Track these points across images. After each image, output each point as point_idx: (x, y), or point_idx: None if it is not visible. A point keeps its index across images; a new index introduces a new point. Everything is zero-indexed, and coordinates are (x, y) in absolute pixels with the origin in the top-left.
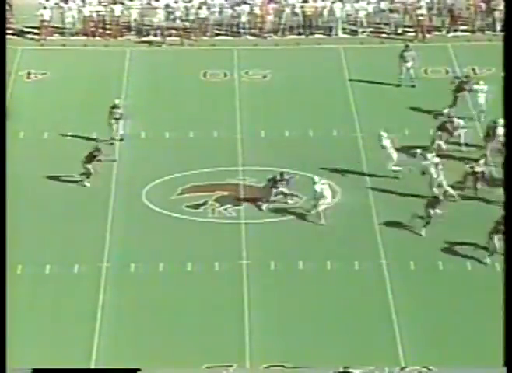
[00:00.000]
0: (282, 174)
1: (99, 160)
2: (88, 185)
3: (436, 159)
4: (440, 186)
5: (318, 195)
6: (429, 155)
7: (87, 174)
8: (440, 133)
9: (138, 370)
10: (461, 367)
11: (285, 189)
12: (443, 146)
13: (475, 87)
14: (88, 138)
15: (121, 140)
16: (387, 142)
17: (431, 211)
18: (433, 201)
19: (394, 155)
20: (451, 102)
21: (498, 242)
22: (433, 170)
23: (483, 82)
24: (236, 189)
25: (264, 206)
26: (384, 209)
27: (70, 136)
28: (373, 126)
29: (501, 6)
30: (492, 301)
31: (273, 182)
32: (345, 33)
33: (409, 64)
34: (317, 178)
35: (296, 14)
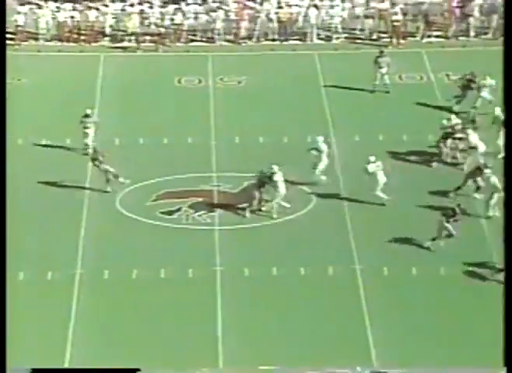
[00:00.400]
0: (262, 173)
1: (102, 162)
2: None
3: (380, 164)
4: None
5: (275, 185)
6: (372, 158)
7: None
8: (449, 141)
9: (138, 370)
10: (460, 368)
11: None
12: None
13: (483, 82)
14: (61, 147)
15: (85, 148)
16: (324, 147)
17: (448, 225)
18: (450, 213)
19: (325, 161)
20: (459, 97)
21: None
22: (379, 174)
23: (489, 77)
24: (211, 195)
25: (248, 211)
26: (358, 215)
27: (44, 143)
28: (348, 132)
29: (476, 12)
30: (464, 305)
31: (258, 185)
32: (319, 39)
33: (384, 70)
34: (276, 168)
35: (270, 20)
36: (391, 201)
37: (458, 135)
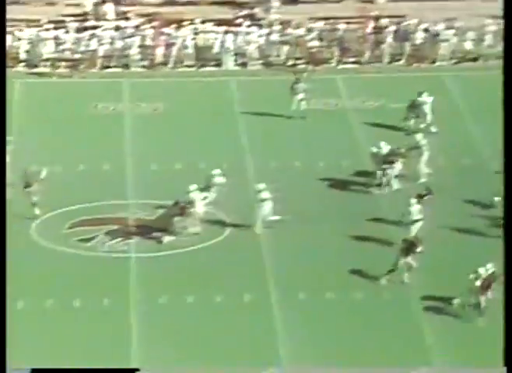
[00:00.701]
0: (176, 203)
1: (30, 185)
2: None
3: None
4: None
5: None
6: (260, 185)
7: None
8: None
9: (137, 370)
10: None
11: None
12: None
13: (420, 100)
14: None
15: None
16: (220, 180)
17: (402, 258)
18: (409, 246)
19: (212, 196)
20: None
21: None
22: (267, 201)
23: (427, 94)
24: (127, 222)
25: (164, 239)
26: (273, 241)
27: None
28: (265, 158)
29: (389, 39)
30: (379, 329)
31: (175, 212)
32: (236, 65)
33: (300, 96)
34: (192, 187)
35: (187, 46)
36: (306, 226)
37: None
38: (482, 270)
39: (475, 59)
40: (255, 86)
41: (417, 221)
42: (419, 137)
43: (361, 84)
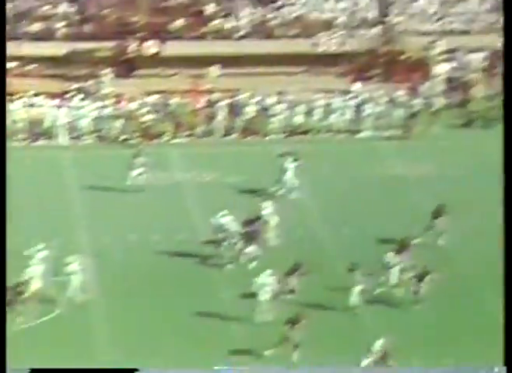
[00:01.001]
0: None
1: None
2: None
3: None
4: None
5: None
6: (69, 258)
7: None
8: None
9: (136, 370)
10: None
11: None
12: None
13: (286, 166)
14: None
15: None
16: (41, 255)
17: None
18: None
19: (41, 267)
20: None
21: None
22: (75, 276)
23: (291, 159)
24: None
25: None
26: (105, 316)
27: None
28: (98, 234)
29: (222, 112)
30: None
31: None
32: (70, 138)
33: (137, 171)
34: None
35: (16, 121)
36: (140, 301)
37: None
38: (373, 347)
39: (305, 132)
40: (88, 160)
41: (269, 293)
42: (265, 204)
43: (195, 158)
